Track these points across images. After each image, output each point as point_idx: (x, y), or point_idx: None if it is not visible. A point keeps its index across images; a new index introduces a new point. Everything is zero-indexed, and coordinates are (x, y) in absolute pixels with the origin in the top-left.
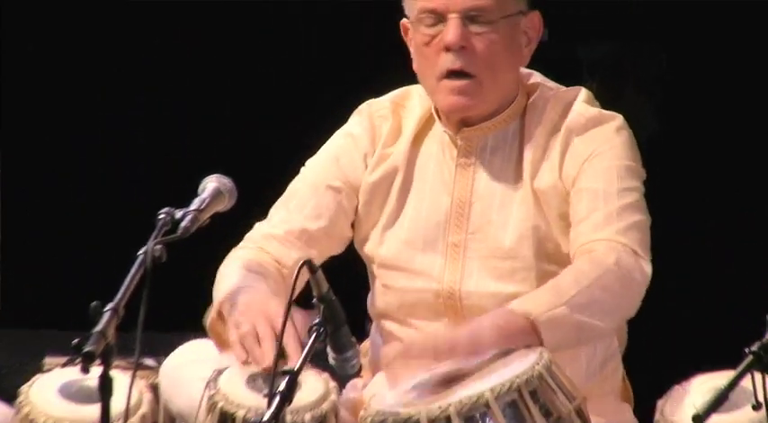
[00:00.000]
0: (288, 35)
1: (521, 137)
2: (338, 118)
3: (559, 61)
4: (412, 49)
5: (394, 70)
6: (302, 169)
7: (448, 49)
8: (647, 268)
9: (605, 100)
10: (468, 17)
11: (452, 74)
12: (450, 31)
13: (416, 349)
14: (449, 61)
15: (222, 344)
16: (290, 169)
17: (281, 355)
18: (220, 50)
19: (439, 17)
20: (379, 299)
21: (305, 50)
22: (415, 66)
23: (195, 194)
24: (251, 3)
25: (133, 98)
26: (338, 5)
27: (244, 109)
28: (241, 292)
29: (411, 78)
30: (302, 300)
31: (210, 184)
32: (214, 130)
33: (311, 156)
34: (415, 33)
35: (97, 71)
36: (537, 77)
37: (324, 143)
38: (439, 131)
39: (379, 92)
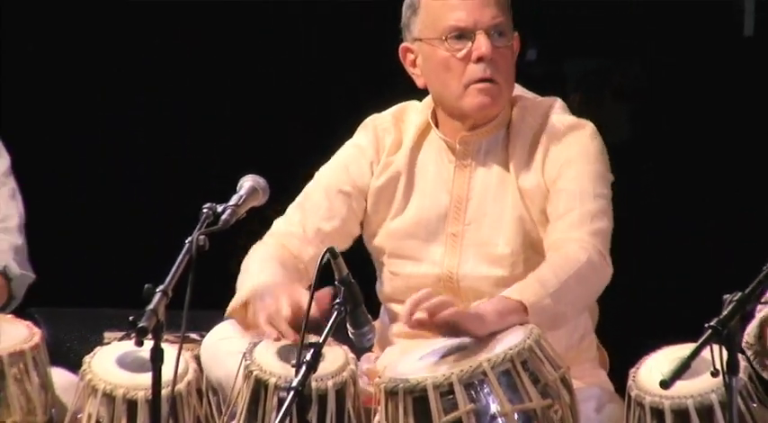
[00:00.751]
0: (310, 44)
1: (508, 141)
2: (348, 123)
3: (545, 76)
4: (423, 67)
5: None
6: (316, 174)
7: (480, 59)
8: (610, 268)
9: (588, 109)
10: (490, 34)
11: (482, 81)
12: (483, 46)
13: (441, 312)
14: (479, 70)
15: (247, 327)
16: (306, 170)
17: (306, 330)
18: (253, 58)
19: (467, 34)
20: (387, 284)
21: (324, 58)
22: (428, 79)
23: (233, 191)
24: (269, 5)
25: (183, 106)
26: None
27: (271, 116)
28: (269, 283)
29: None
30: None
31: (247, 182)
32: (245, 134)
33: (324, 158)
34: (434, 49)
35: (148, 73)
36: (517, 90)
37: (335, 147)
38: (435, 139)
39: (386, 96)
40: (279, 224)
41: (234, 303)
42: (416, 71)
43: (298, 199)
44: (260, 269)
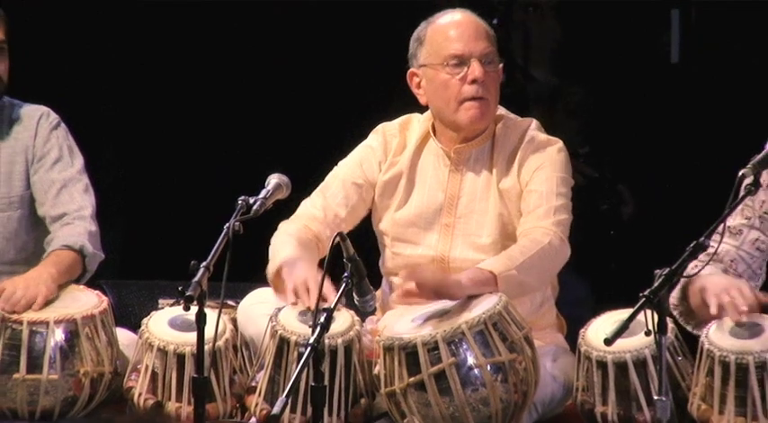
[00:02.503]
0: (335, 61)
1: (492, 152)
2: (361, 128)
3: (512, 95)
4: (426, 87)
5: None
6: (335, 168)
7: (474, 81)
8: (568, 250)
9: (544, 123)
10: (482, 61)
11: (474, 99)
12: (477, 70)
13: (426, 281)
14: (473, 90)
15: (278, 291)
16: (322, 170)
17: (321, 299)
18: (287, 74)
19: (464, 61)
20: (389, 262)
21: (347, 73)
22: (430, 97)
23: (263, 186)
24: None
25: (231, 115)
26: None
27: (296, 122)
28: (295, 259)
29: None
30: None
31: (273, 179)
32: (274, 138)
33: (341, 155)
34: (437, 73)
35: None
36: (501, 110)
37: (350, 147)
38: (434, 147)
39: (396, 106)
40: (305, 207)
41: (269, 273)
42: (420, 91)
43: (320, 186)
44: (288, 245)
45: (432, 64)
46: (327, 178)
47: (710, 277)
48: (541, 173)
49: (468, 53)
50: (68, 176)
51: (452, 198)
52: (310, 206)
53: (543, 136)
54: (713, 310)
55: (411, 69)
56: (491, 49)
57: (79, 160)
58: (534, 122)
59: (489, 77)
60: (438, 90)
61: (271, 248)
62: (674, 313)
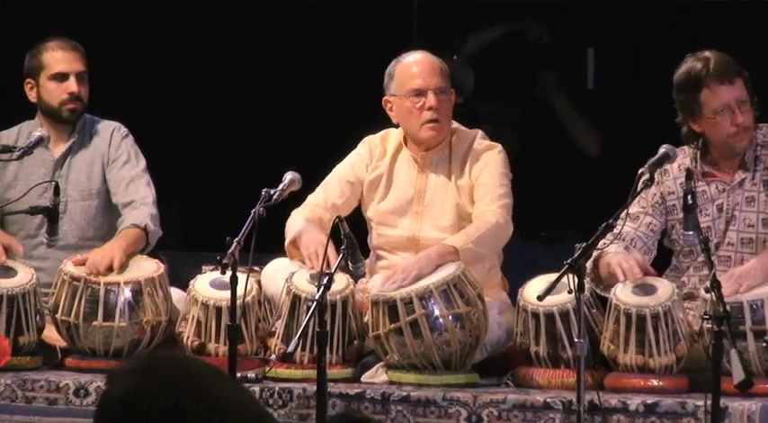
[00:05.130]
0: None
1: (450, 157)
2: (353, 139)
3: (467, 114)
4: (396, 111)
5: None
6: (334, 169)
7: (430, 108)
8: (511, 228)
9: (492, 136)
10: (437, 93)
11: (431, 121)
12: (431, 100)
13: (399, 268)
14: (429, 115)
15: (292, 257)
16: (325, 169)
17: (324, 265)
18: (303, 85)
19: (422, 93)
20: (375, 240)
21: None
22: (399, 119)
23: (281, 180)
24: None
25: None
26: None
27: (308, 132)
28: (306, 231)
29: None
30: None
31: (288, 175)
32: (291, 143)
33: (338, 160)
34: (403, 102)
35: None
36: (455, 124)
37: (344, 154)
38: (406, 154)
39: (381, 121)
40: (311, 198)
41: (286, 242)
42: (393, 114)
43: (322, 183)
44: (300, 222)
45: (399, 94)
46: (327, 177)
47: (614, 254)
48: (486, 170)
49: (426, 87)
50: (135, 174)
51: (420, 192)
52: (314, 197)
53: (486, 142)
54: (620, 278)
55: (385, 97)
56: (443, 83)
57: (143, 162)
58: (480, 132)
59: (442, 104)
60: (404, 114)
61: (286, 227)
62: (587, 279)
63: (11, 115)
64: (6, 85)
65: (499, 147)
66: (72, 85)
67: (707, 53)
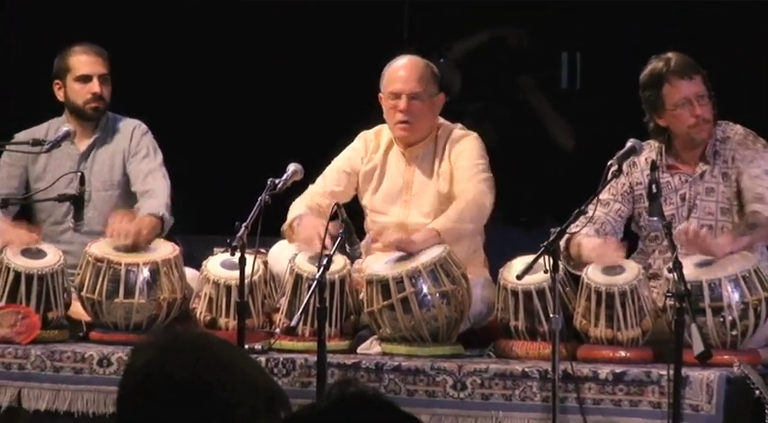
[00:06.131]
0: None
1: (434, 150)
2: (351, 133)
3: (452, 111)
4: (384, 107)
5: None
6: (332, 162)
7: (401, 111)
8: (489, 198)
9: (475, 130)
10: (410, 97)
11: (401, 122)
12: (402, 104)
13: (393, 239)
14: (400, 116)
15: (289, 240)
16: (325, 161)
17: (324, 248)
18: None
19: (398, 96)
20: (369, 225)
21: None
22: (385, 115)
23: (284, 170)
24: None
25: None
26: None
27: (311, 126)
28: (304, 216)
29: None
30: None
31: (291, 166)
32: (296, 138)
33: (336, 152)
34: (385, 101)
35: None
36: (440, 120)
37: (342, 147)
38: (396, 149)
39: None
40: (311, 187)
41: (285, 226)
42: (384, 110)
43: (322, 174)
44: (300, 209)
45: (384, 94)
46: (326, 169)
47: (587, 238)
48: (462, 155)
49: (401, 90)
50: (152, 167)
51: (408, 183)
52: (314, 186)
53: (463, 131)
54: (597, 261)
55: (380, 94)
56: (419, 89)
57: (160, 156)
58: (459, 125)
59: (414, 108)
60: (386, 112)
61: (289, 214)
62: (562, 259)
63: (40, 112)
64: (36, 86)
65: (474, 134)
66: (95, 86)
67: (669, 53)
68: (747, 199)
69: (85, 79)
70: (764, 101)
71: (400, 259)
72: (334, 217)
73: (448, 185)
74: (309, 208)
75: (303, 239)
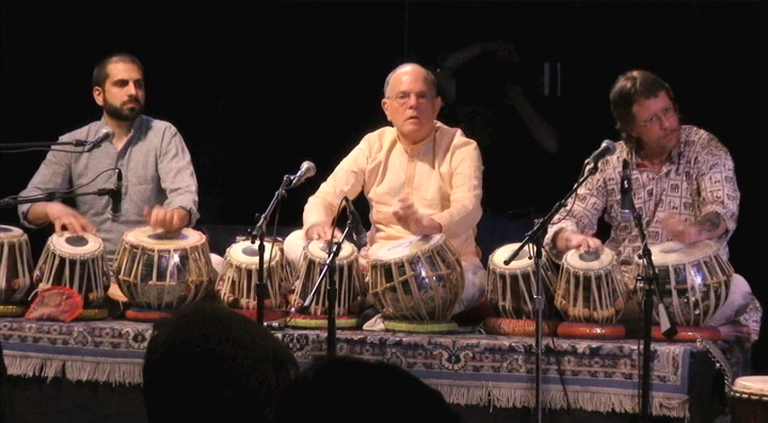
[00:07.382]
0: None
1: (434, 149)
2: (359, 134)
3: (448, 115)
4: (390, 111)
5: None
6: (341, 162)
7: (411, 107)
8: (480, 211)
9: (468, 133)
10: (418, 95)
11: (412, 118)
12: (412, 101)
13: (413, 208)
14: (410, 112)
15: (308, 238)
16: (335, 160)
17: (332, 239)
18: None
19: (406, 95)
20: (375, 216)
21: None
22: (391, 117)
23: (299, 167)
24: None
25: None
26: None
27: (323, 128)
28: (317, 220)
29: None
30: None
31: (305, 164)
32: (309, 138)
33: (345, 153)
34: (393, 102)
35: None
36: (438, 123)
37: (351, 148)
38: (399, 147)
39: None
40: (323, 186)
41: (303, 230)
42: (388, 113)
43: (332, 173)
44: (314, 210)
45: (391, 97)
46: (336, 169)
47: (573, 233)
48: (464, 163)
49: (409, 90)
50: (181, 166)
51: (410, 178)
52: (326, 186)
53: (464, 139)
54: (581, 249)
55: (384, 99)
56: (425, 88)
57: (188, 155)
58: (459, 131)
59: (422, 105)
60: (394, 112)
61: (304, 213)
62: (546, 249)
63: (79, 116)
64: (77, 94)
65: (474, 143)
66: (131, 89)
67: (634, 73)
68: (708, 199)
69: (123, 83)
70: (727, 105)
71: (401, 246)
72: (343, 210)
73: (446, 184)
74: (322, 205)
75: (311, 238)
